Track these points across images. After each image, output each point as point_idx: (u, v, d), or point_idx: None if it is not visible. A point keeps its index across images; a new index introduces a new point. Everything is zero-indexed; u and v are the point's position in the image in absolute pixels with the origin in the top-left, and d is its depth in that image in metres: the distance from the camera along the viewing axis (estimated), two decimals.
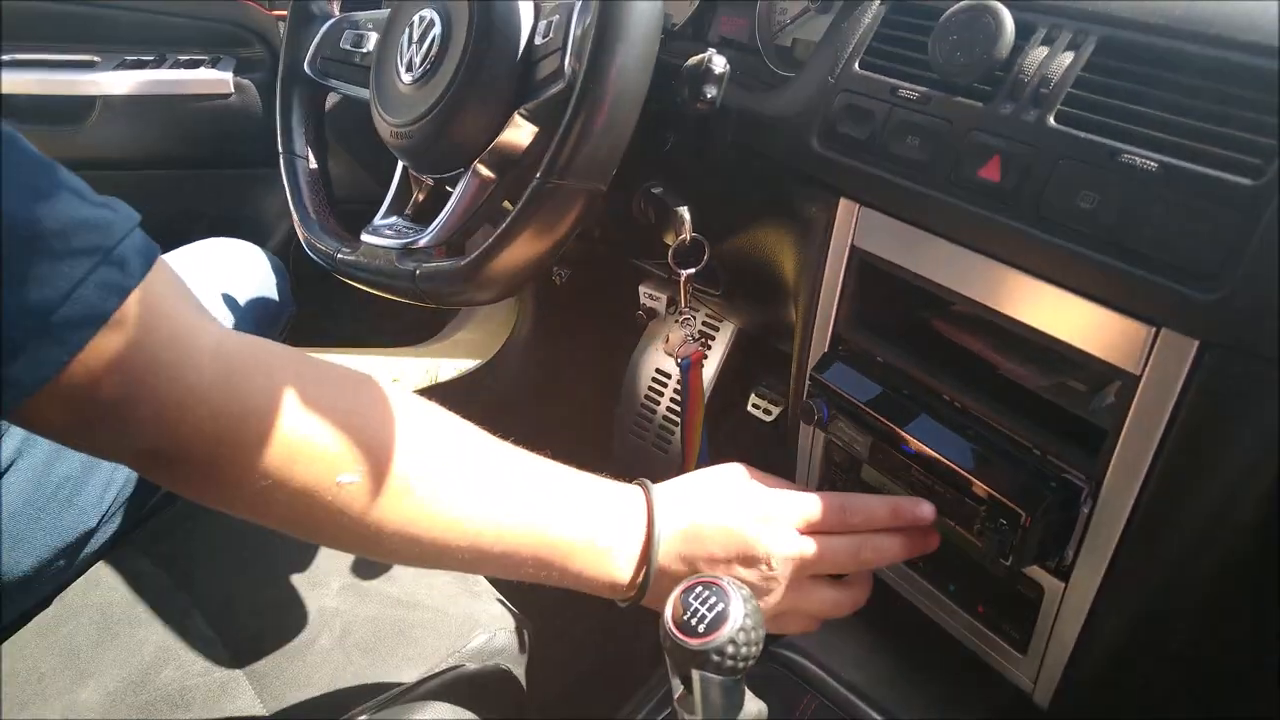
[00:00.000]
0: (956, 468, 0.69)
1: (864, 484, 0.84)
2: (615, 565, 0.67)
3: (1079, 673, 0.70)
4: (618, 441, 1.64)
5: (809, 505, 0.70)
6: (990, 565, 0.71)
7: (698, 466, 1.09)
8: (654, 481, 0.70)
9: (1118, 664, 0.68)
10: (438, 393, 1.69)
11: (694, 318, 1.43)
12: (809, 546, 0.68)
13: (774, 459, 0.95)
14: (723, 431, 1.42)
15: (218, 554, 0.90)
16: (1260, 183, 0.54)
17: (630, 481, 0.71)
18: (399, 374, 2.30)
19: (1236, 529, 0.60)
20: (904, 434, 0.73)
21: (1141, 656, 0.68)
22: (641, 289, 1.42)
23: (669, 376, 1.55)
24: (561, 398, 1.67)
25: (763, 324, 1.08)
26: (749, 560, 0.67)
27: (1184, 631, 0.67)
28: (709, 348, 1.45)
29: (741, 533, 0.67)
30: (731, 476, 0.73)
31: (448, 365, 2.07)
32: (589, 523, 0.66)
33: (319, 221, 0.91)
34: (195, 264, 1.14)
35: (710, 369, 1.44)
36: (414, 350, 1.83)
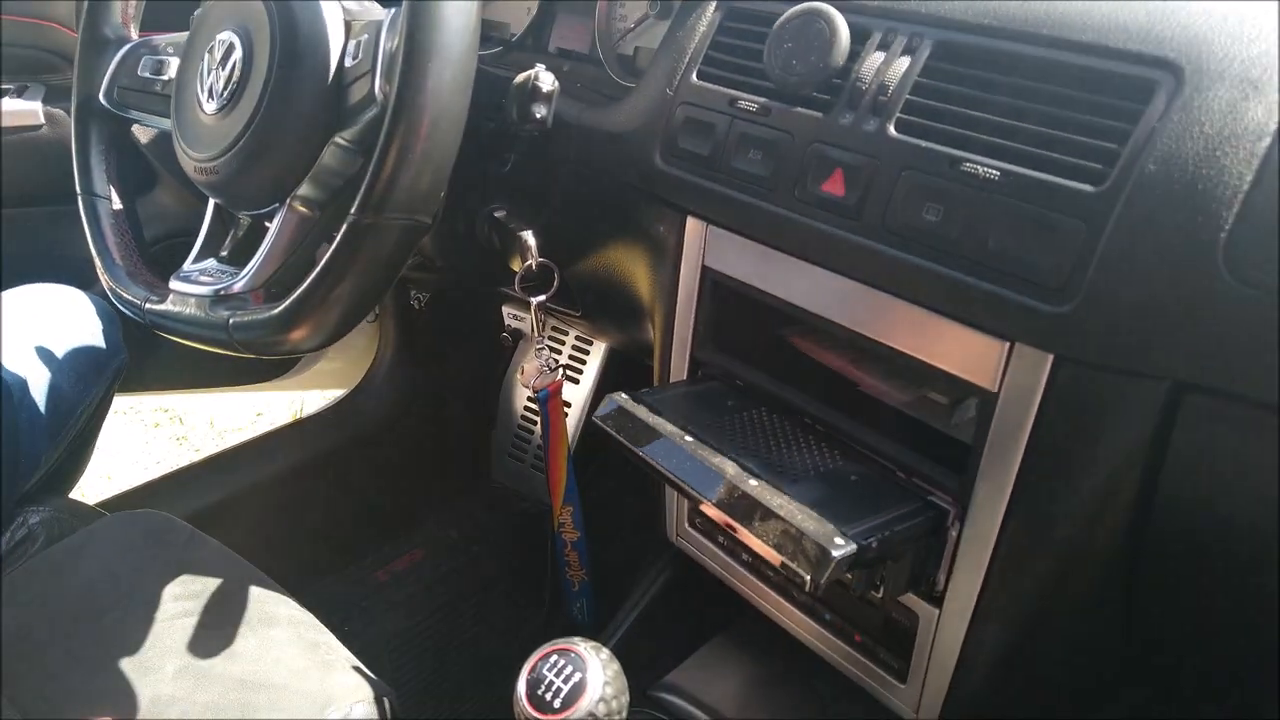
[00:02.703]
0: (734, 523, 0.60)
1: None
2: None
3: (959, 699, 0.67)
4: (495, 464, 1.58)
5: None
6: (862, 597, 0.68)
7: (565, 497, 1.04)
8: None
9: (996, 686, 0.66)
10: (305, 426, 1.61)
11: (561, 343, 1.38)
12: None
13: (654, 481, 0.91)
14: (600, 456, 1.38)
15: (34, 639, 0.80)
16: (1103, 188, 0.52)
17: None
18: (263, 409, 2.19)
19: (1104, 541, 0.58)
20: (641, 454, 0.66)
21: (1019, 677, 0.66)
22: (505, 310, 1.37)
23: None
24: (433, 422, 1.59)
25: (627, 343, 1.04)
26: None
27: (1059, 646, 0.66)
28: (583, 364, 1.40)
29: None
30: None
31: (312, 397, 1.97)
32: None
33: (125, 267, 0.82)
34: (10, 314, 1.03)
35: (584, 388, 1.39)
36: (275, 384, 1.73)
